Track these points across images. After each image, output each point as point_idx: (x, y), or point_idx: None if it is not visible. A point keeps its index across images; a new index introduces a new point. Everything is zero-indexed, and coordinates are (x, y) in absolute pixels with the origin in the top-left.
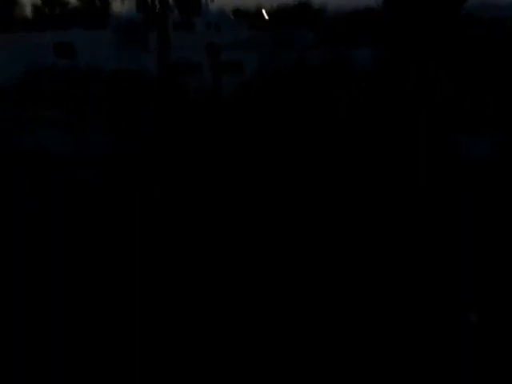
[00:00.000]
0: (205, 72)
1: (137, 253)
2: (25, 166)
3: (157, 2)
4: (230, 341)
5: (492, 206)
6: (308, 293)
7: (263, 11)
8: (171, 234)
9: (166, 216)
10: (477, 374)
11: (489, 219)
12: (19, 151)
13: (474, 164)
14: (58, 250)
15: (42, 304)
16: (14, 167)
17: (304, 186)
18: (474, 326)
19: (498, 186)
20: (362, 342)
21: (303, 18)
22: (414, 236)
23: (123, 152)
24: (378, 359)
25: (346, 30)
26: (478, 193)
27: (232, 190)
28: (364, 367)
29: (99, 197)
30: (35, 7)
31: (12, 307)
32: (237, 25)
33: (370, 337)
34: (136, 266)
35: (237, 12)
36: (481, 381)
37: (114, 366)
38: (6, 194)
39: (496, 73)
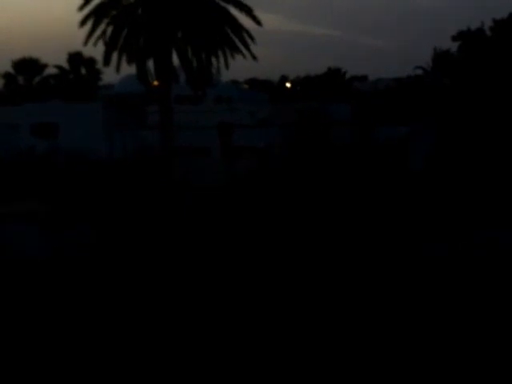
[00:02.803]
0: (215, 156)
1: None
2: None
3: (160, 71)
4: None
5: None
6: None
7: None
8: None
9: None
10: None
11: None
12: None
13: None
14: None
15: None
16: None
17: None
18: None
19: None
20: None
21: (335, 88)
22: None
23: None
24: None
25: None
26: None
27: None
28: None
29: None
30: (8, 76)
31: None
32: (254, 97)
33: None
34: None
35: (253, 82)
36: None
37: None
38: None
39: None
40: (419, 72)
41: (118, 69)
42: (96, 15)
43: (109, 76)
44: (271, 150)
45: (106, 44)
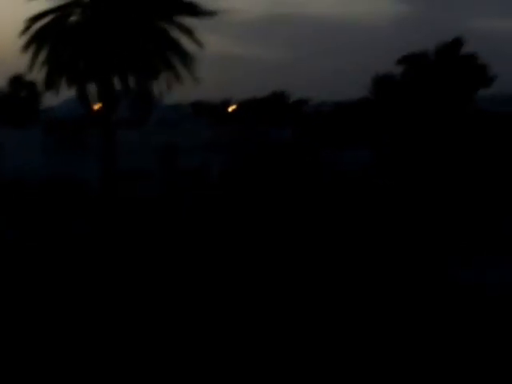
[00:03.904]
0: (159, 178)
1: None
2: None
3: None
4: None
5: None
6: None
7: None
8: None
9: None
10: None
11: None
12: None
13: None
14: None
15: None
16: None
17: None
18: None
19: None
20: None
21: (278, 111)
22: None
23: None
24: None
25: (336, 126)
26: None
27: None
28: None
29: None
30: None
31: None
32: (196, 120)
33: None
34: None
35: (197, 106)
36: None
37: None
38: None
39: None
40: (365, 93)
41: (57, 91)
42: (37, 40)
43: (50, 99)
44: (210, 170)
45: (48, 67)
